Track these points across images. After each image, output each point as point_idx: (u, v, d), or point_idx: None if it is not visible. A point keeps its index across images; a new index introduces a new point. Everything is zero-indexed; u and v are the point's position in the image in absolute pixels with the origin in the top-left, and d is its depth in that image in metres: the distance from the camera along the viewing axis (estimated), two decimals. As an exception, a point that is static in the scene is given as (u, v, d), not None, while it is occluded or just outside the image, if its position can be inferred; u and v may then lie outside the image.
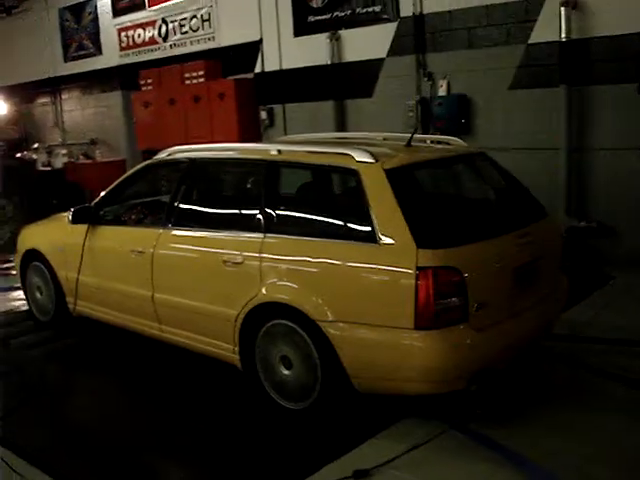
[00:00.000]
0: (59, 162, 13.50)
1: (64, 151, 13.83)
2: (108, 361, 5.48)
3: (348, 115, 9.46)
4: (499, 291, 3.97)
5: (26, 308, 6.56)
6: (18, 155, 13.42)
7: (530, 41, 7.46)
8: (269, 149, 4.58)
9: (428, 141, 5.28)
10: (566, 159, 7.30)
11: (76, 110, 14.23)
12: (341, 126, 9.41)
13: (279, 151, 4.50)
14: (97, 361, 5.51)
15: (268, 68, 10.27)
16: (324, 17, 9.38)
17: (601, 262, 7.16)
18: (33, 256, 6.19)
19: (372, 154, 4.05)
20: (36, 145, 14.39)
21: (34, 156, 13.78)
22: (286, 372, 4.20)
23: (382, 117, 8.78)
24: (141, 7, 12.01)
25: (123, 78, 12.79)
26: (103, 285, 5.44)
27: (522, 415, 4.04)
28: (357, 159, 4.07)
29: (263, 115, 10.40)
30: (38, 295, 6.27)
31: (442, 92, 8.31)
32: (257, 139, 10.01)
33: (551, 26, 7.19)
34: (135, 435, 4.17)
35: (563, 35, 7.10)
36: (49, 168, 13.32)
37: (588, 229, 7.28)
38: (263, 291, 4.20)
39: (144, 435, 4.17)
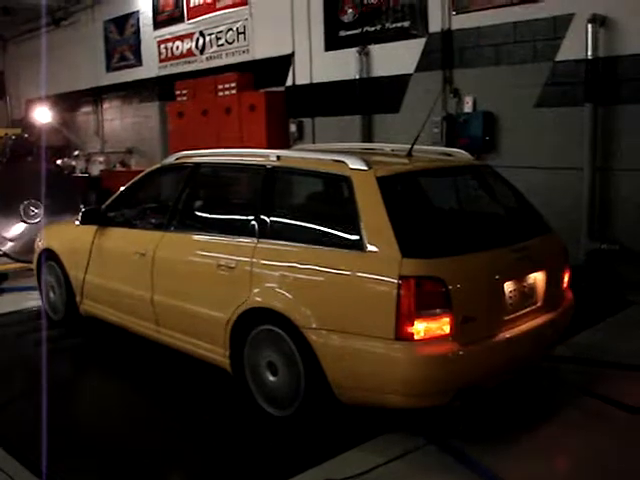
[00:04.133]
0: (96, 169, 13.88)
1: (101, 159, 14.16)
2: (110, 361, 5.50)
3: (375, 130, 9.41)
4: (489, 305, 3.86)
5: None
6: (58, 162, 13.76)
7: (557, 59, 7.31)
8: (269, 155, 4.57)
9: (437, 152, 5.21)
10: (590, 179, 7.09)
11: (115, 119, 14.51)
12: (368, 140, 9.34)
13: (278, 157, 4.49)
14: (99, 360, 5.55)
15: (299, 81, 10.31)
16: (354, 32, 9.39)
17: (623, 287, 6.92)
18: (48, 256, 6.30)
19: (366, 161, 4.00)
20: (76, 152, 14.76)
21: (73, 163, 14.16)
22: (272, 378, 4.15)
23: (408, 132, 8.60)
24: (180, 20, 12.23)
25: (161, 89, 12.99)
26: (107, 285, 5.50)
27: (508, 435, 3.89)
28: (350, 166, 4.03)
29: (292, 128, 10.43)
30: (51, 294, 6.37)
31: (468, 109, 8.20)
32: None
33: (578, 44, 7.03)
34: (124, 432, 4.17)
35: (589, 53, 6.92)
36: (86, 175, 13.69)
37: (610, 252, 7.05)
38: (252, 296, 4.17)
39: (133, 432, 4.17)
